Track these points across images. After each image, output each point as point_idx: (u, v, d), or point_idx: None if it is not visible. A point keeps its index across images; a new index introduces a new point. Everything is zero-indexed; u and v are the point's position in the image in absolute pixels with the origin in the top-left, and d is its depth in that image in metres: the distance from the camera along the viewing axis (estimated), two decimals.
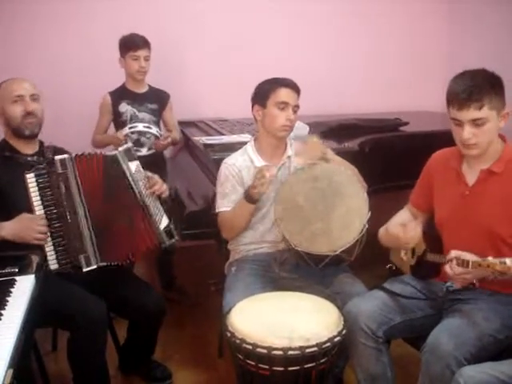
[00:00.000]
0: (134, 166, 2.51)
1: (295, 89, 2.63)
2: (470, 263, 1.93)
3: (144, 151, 3.58)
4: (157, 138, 3.58)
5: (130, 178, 2.48)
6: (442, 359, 1.95)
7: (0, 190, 2.42)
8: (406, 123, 3.79)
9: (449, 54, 4.63)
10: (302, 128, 3.32)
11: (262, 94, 2.64)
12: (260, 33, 4.37)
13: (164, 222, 2.54)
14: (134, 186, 2.48)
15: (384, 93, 4.56)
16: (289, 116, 2.60)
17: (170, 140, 3.56)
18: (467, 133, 2.08)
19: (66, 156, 2.44)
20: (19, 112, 2.48)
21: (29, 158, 2.52)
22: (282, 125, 2.61)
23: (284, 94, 2.60)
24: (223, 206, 2.63)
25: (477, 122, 2.06)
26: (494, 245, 2.15)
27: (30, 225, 2.34)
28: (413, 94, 4.62)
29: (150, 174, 2.56)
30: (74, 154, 2.47)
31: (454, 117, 2.10)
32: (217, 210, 2.66)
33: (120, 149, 2.52)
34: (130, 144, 2.62)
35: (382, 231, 2.39)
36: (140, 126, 3.56)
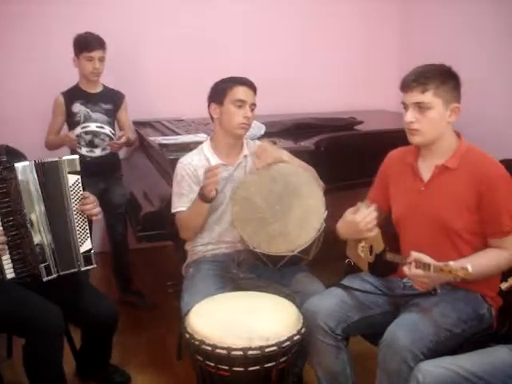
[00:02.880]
0: (73, 179, 2.41)
1: (252, 87, 2.63)
2: (432, 267, 1.94)
3: (98, 152, 3.53)
4: (110, 138, 3.53)
5: (64, 189, 2.40)
6: (399, 354, 1.96)
7: None
8: (361, 122, 3.83)
9: (401, 55, 4.70)
10: (258, 128, 3.33)
11: (219, 91, 2.62)
12: (216, 32, 4.35)
13: (86, 245, 2.45)
14: (64, 198, 2.41)
15: (339, 92, 4.60)
16: (246, 114, 2.59)
17: (124, 140, 3.51)
18: (410, 116, 2.14)
19: (27, 163, 2.33)
20: None
21: None
22: (240, 123, 2.60)
23: (241, 91, 2.60)
24: (180, 205, 2.61)
25: (420, 106, 2.12)
26: (451, 241, 2.18)
27: None
28: (367, 94, 4.68)
29: (87, 194, 2.47)
30: (34, 161, 2.36)
31: (402, 100, 2.17)
32: (173, 210, 2.63)
33: (64, 157, 2.43)
34: (77, 156, 2.51)
35: (339, 223, 2.38)
36: (93, 126, 3.50)
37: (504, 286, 1.78)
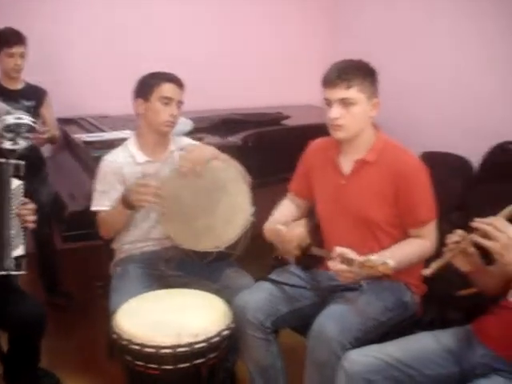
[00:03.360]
0: (16, 183, 2.36)
1: (179, 84, 2.60)
2: (354, 262, 1.97)
3: (23, 144, 3.37)
4: (33, 128, 3.38)
5: (5, 191, 2.33)
6: (327, 345, 2.00)
7: None
8: (288, 117, 3.87)
9: (326, 50, 4.76)
10: (184, 124, 3.31)
11: (146, 87, 2.58)
12: (141, 28, 4.28)
13: (19, 250, 2.37)
14: (4, 200, 2.34)
15: (266, 88, 4.61)
16: (172, 112, 2.56)
17: (48, 135, 3.41)
18: (335, 112, 2.15)
19: None
20: None
21: None
22: (166, 120, 2.56)
23: (168, 89, 2.56)
24: (101, 204, 2.55)
25: (345, 101, 2.14)
26: (372, 232, 2.24)
27: None
28: (294, 89, 4.72)
29: (27, 200, 2.40)
30: None
31: (325, 96, 2.19)
32: (93, 208, 2.57)
33: (12, 160, 2.37)
34: (23, 162, 2.44)
35: (266, 226, 2.40)
36: (10, 119, 3.35)
37: (425, 272, 1.83)
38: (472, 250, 1.80)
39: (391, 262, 1.89)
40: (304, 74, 4.61)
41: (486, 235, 1.68)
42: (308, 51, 4.85)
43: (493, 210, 1.76)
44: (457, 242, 1.79)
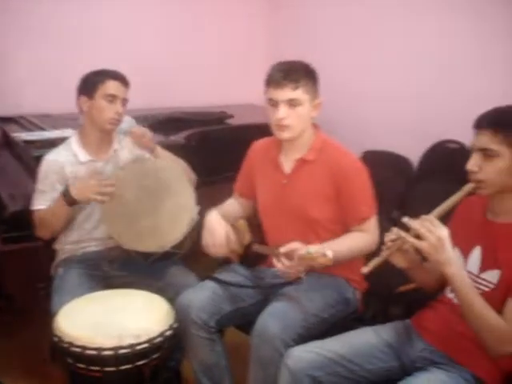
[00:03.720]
0: None
1: (124, 82, 2.57)
2: (296, 256, 2.00)
3: None
4: None
5: None
6: (270, 342, 2.01)
7: None
8: (231, 116, 3.87)
9: (268, 51, 4.79)
10: (128, 122, 3.26)
11: (90, 84, 2.54)
12: (85, 24, 4.19)
13: None
14: None
15: (209, 87, 4.60)
16: (117, 109, 2.53)
17: None
18: (282, 112, 2.16)
19: None
20: None
21: None
22: (110, 118, 2.53)
23: (113, 86, 2.53)
24: (39, 203, 2.50)
25: (292, 103, 2.16)
26: (313, 230, 2.26)
27: None
28: (236, 88, 4.72)
29: None
30: None
31: (270, 97, 2.19)
32: (32, 208, 2.52)
33: None
34: None
35: (209, 215, 2.35)
36: None
37: (363, 270, 1.86)
38: (407, 247, 1.84)
39: (330, 254, 1.93)
40: (247, 73, 4.63)
41: (417, 235, 1.72)
42: (252, 51, 4.86)
43: (431, 209, 1.81)
44: (393, 240, 1.82)
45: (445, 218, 1.79)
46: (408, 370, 1.92)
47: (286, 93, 2.16)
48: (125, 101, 2.58)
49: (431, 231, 1.69)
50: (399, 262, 1.90)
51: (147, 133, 2.63)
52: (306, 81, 2.17)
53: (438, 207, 1.80)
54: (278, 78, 2.16)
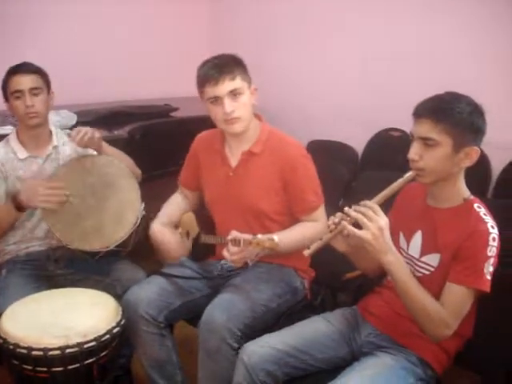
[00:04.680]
0: None
1: (27, 71, 2.42)
2: (242, 241, 2.01)
3: None
4: None
5: None
6: (217, 333, 2.02)
7: None
8: (177, 109, 3.85)
9: (211, 41, 4.78)
10: (69, 117, 3.22)
11: (3, 88, 2.46)
12: (25, 15, 4.08)
13: None
14: None
15: (153, 80, 4.56)
16: (26, 102, 2.40)
17: None
18: (229, 105, 2.15)
19: None
20: None
21: None
22: (24, 113, 2.42)
23: (16, 81, 2.41)
24: None
25: (234, 93, 2.15)
26: (261, 222, 2.27)
27: None
28: (180, 80, 4.68)
29: None
30: None
31: (210, 96, 2.17)
32: None
33: None
34: None
35: (154, 225, 2.37)
36: None
37: (305, 252, 1.86)
38: (347, 231, 1.82)
39: (277, 238, 1.95)
40: (192, 65, 4.60)
41: (357, 223, 1.73)
42: (195, 42, 4.84)
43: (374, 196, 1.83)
44: (336, 224, 1.83)
45: (385, 205, 1.81)
46: (356, 356, 1.96)
47: (225, 86, 2.15)
48: (36, 89, 2.42)
49: (371, 220, 1.70)
50: (340, 245, 1.89)
51: (88, 133, 2.43)
52: (239, 69, 2.17)
53: (379, 194, 1.82)
54: (214, 73, 2.15)
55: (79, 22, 4.27)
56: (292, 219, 2.28)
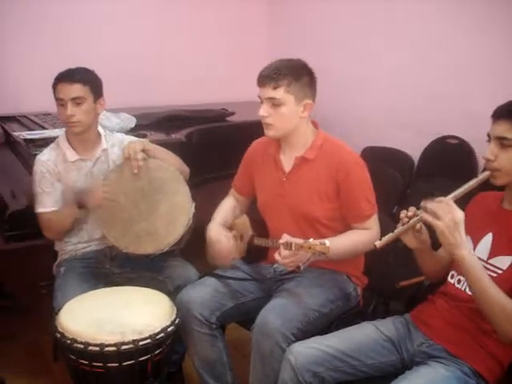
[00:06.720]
0: None
1: (70, 80, 2.43)
2: (293, 245, 2.01)
3: None
4: None
5: None
6: (270, 337, 2.03)
7: None
8: (233, 113, 3.87)
9: (268, 48, 4.79)
10: (128, 120, 3.28)
11: (53, 89, 2.49)
12: (78, 23, 4.18)
13: None
14: None
15: (211, 84, 4.61)
16: (66, 112, 2.41)
17: None
18: (263, 110, 2.18)
19: None
20: None
21: None
22: (66, 122, 2.47)
23: (60, 89, 2.43)
24: (46, 206, 2.48)
25: (273, 102, 2.16)
26: (314, 227, 2.27)
27: None
28: (238, 85, 4.72)
29: None
30: None
31: (258, 94, 2.21)
32: (39, 210, 2.50)
33: None
34: None
35: (210, 226, 2.40)
36: None
37: (377, 243, 1.84)
38: (420, 226, 1.83)
39: (328, 242, 1.94)
40: (249, 70, 4.63)
41: (434, 214, 1.72)
42: (254, 47, 4.86)
43: None
44: (409, 217, 1.82)
45: (459, 204, 1.79)
46: (408, 365, 1.93)
47: (266, 91, 2.16)
48: (78, 99, 2.42)
49: (448, 212, 1.68)
50: (410, 241, 1.89)
51: (139, 161, 2.43)
52: (288, 81, 2.14)
53: (454, 192, 1.80)
54: (262, 76, 2.18)
55: (142, 26, 4.37)
56: (345, 225, 2.26)
